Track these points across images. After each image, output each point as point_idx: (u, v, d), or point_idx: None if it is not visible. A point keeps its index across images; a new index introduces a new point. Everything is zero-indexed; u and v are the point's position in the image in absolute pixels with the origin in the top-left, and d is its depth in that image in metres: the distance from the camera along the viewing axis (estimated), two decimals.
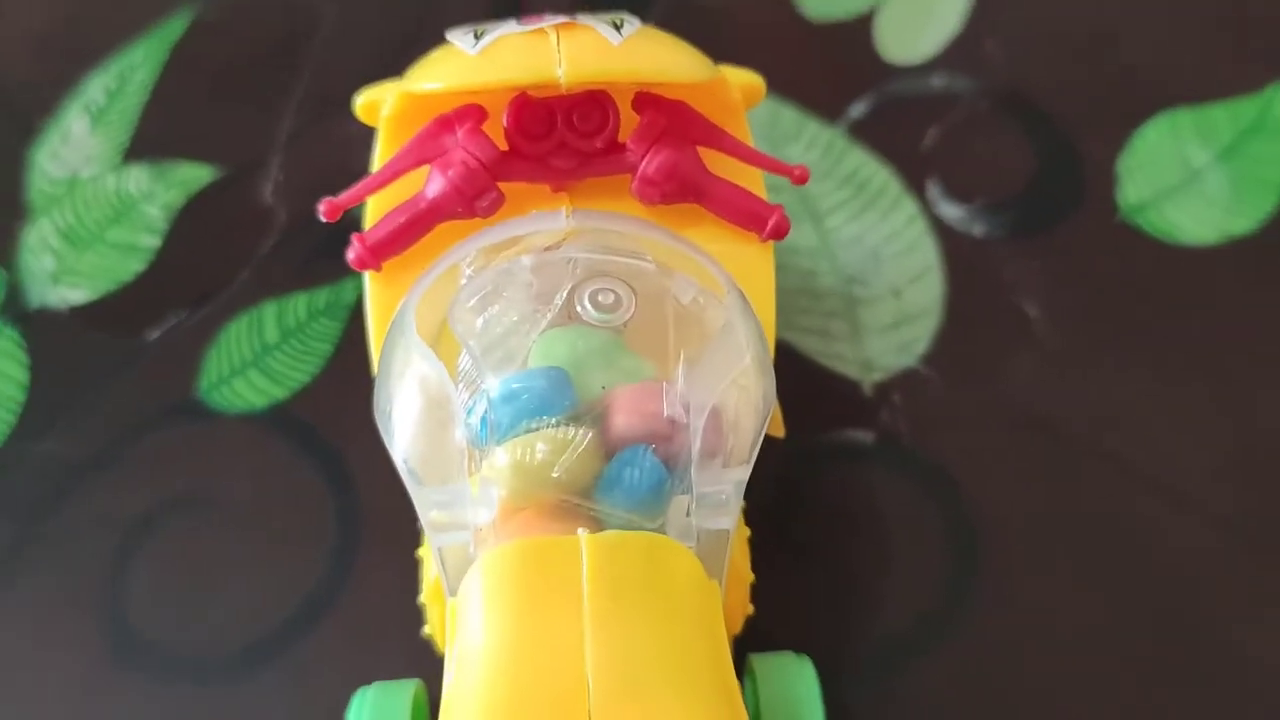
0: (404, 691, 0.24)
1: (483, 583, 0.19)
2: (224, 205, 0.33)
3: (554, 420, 0.20)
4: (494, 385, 0.20)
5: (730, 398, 0.20)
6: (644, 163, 0.22)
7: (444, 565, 0.20)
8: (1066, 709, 0.26)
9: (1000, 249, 0.32)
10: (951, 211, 0.33)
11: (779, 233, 0.23)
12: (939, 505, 0.29)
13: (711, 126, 0.22)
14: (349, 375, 0.30)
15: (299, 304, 0.32)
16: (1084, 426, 0.30)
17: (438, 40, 0.27)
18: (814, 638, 0.26)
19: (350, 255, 0.22)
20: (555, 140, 0.22)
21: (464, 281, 0.21)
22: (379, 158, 0.23)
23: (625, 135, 0.22)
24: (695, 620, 0.19)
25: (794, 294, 0.32)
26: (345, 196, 0.22)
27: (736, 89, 0.23)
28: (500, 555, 0.19)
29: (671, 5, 0.37)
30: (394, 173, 0.22)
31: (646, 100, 0.22)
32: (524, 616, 0.19)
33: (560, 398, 0.20)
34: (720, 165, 0.23)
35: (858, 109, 0.35)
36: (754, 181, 0.23)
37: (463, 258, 0.21)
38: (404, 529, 0.27)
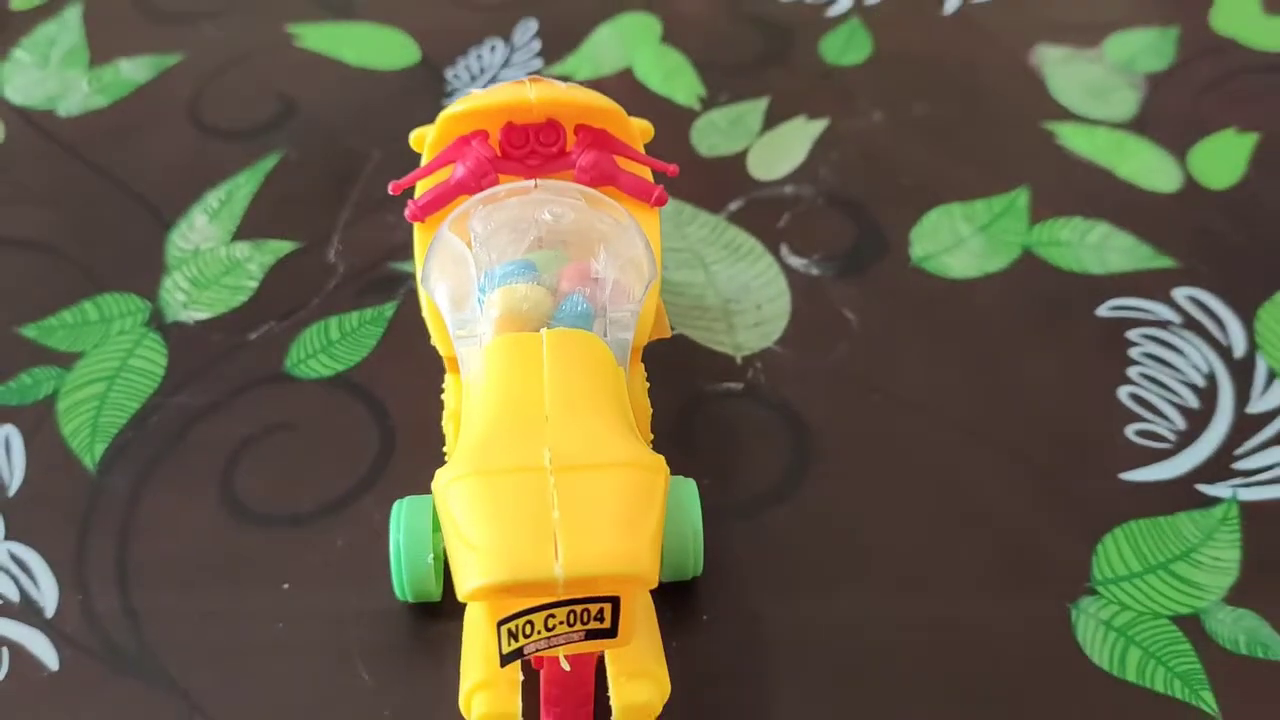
0: (426, 500, 0.37)
1: (484, 359, 0.33)
2: (302, 264, 0.49)
3: (526, 279, 0.34)
4: (494, 264, 0.35)
5: (627, 270, 0.35)
6: (579, 159, 0.37)
7: (463, 361, 0.34)
8: (866, 532, 0.40)
9: (830, 282, 0.48)
10: (797, 261, 0.49)
11: (661, 201, 0.38)
12: (785, 423, 0.43)
13: (620, 142, 0.38)
14: (387, 358, 0.45)
15: (353, 317, 0.46)
16: (880, 380, 0.44)
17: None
18: (704, 493, 0.39)
19: (406, 213, 0.38)
20: (528, 149, 0.38)
21: (475, 214, 0.36)
22: (424, 160, 0.39)
23: (570, 148, 0.38)
24: (610, 382, 0.33)
25: (688, 308, 0.47)
26: (404, 180, 0.38)
27: (636, 127, 0.39)
28: (496, 343, 0.33)
29: None
30: (434, 168, 0.38)
31: (581, 127, 0.38)
32: (509, 375, 0.32)
33: (529, 271, 0.35)
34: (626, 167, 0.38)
35: (734, 205, 0.51)
36: (646, 177, 0.39)
37: (472, 204, 0.36)
38: (421, 441, 0.41)
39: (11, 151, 0.53)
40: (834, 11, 0.61)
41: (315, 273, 0.48)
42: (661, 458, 0.31)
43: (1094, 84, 0.57)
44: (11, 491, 0.41)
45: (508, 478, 0.29)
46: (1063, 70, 0.57)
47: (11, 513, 0.40)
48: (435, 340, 0.36)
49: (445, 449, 0.37)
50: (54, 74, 0.57)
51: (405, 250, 0.48)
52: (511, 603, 0.28)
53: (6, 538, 0.40)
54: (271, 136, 0.54)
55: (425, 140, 0.39)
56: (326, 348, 0.45)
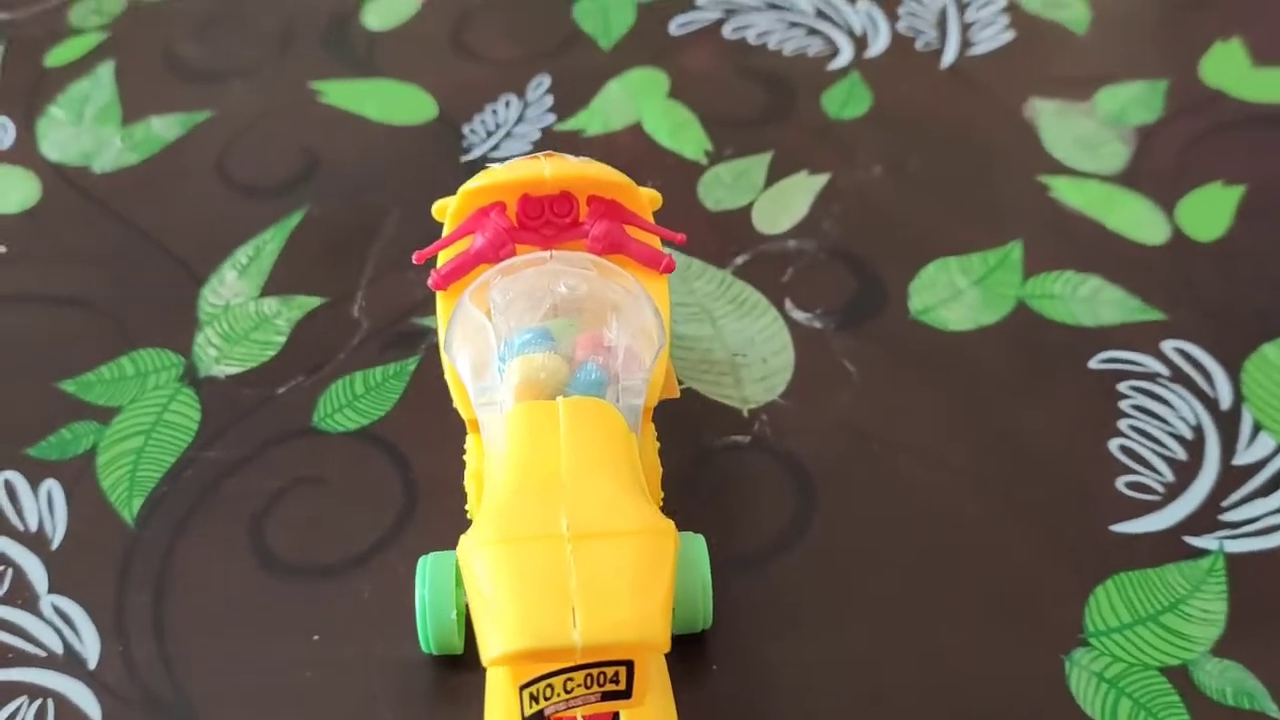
0: (450, 556, 0.39)
1: (505, 426, 0.35)
2: (327, 319, 0.51)
3: (543, 349, 0.37)
4: (512, 333, 0.37)
5: (638, 337, 0.37)
6: (592, 229, 0.40)
7: (484, 428, 0.36)
8: (869, 578, 0.42)
9: (832, 335, 0.50)
10: (800, 315, 0.51)
11: (669, 269, 0.40)
12: (791, 473, 0.45)
13: (629, 213, 0.41)
14: (410, 411, 0.47)
15: (377, 372, 0.49)
16: (880, 430, 0.46)
17: None
18: (713, 545, 0.41)
19: (430, 281, 0.40)
20: (544, 220, 0.40)
21: (495, 284, 0.38)
22: (447, 229, 0.41)
23: (583, 218, 0.40)
24: (623, 447, 0.35)
25: (697, 362, 0.49)
26: (428, 250, 0.40)
27: (645, 197, 0.42)
28: (515, 410, 0.35)
29: None
30: (455, 237, 0.40)
31: (594, 199, 0.40)
32: (528, 442, 0.35)
33: (546, 340, 0.37)
34: (636, 236, 0.41)
35: (740, 259, 0.53)
36: (656, 245, 0.41)
37: (492, 274, 0.39)
38: (443, 495, 0.43)
39: (50, 210, 0.56)
40: (835, 65, 0.63)
41: (340, 328, 0.50)
42: (671, 523, 0.33)
43: (1085, 137, 0.59)
44: (55, 544, 0.43)
45: (528, 545, 0.31)
46: (1055, 123, 0.60)
47: (54, 565, 0.42)
48: (457, 404, 0.38)
49: (467, 507, 0.40)
50: (88, 130, 0.60)
51: (425, 306, 0.51)
52: (532, 667, 0.30)
53: (50, 590, 0.42)
54: (296, 193, 0.56)
55: (447, 210, 0.41)
56: (352, 402, 0.47)
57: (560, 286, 0.37)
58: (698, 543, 0.39)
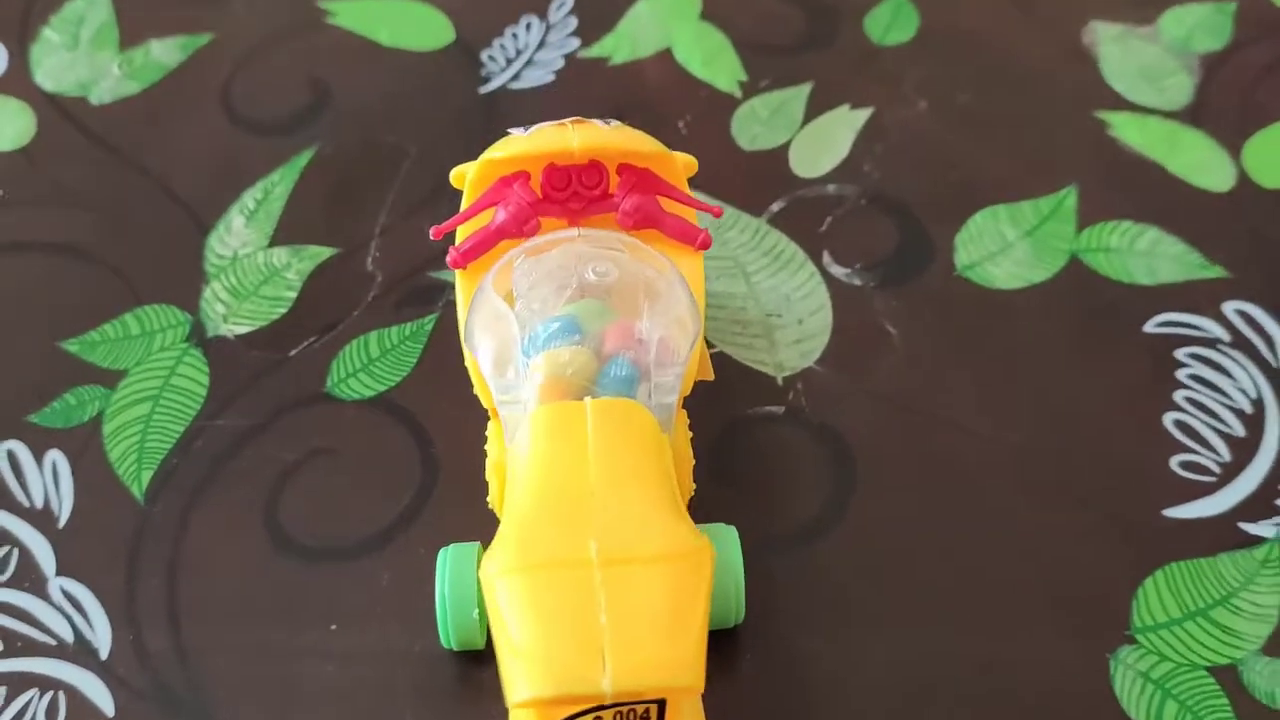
0: (472, 548, 0.37)
1: (530, 429, 0.33)
2: (340, 272, 0.48)
3: (570, 342, 0.34)
4: (535, 326, 0.34)
5: (672, 328, 0.35)
6: (623, 204, 0.37)
7: (507, 426, 0.34)
8: (911, 565, 0.40)
9: (872, 294, 0.47)
10: (839, 270, 0.48)
11: (706, 244, 0.38)
12: (828, 448, 0.43)
13: (664, 183, 0.38)
14: (427, 377, 0.45)
15: (393, 333, 0.46)
16: (923, 402, 0.44)
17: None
18: (745, 527, 0.39)
19: (449, 259, 0.37)
20: (570, 191, 0.37)
21: (518, 266, 0.35)
22: (465, 204, 0.38)
23: (613, 188, 0.38)
24: (654, 453, 0.33)
25: (729, 322, 0.46)
26: (445, 225, 0.37)
27: (680, 163, 0.39)
28: (539, 413, 0.33)
29: None
30: (475, 210, 0.37)
31: (625, 168, 0.37)
32: (553, 447, 0.33)
33: (573, 331, 0.34)
34: (669, 206, 0.38)
35: (776, 205, 0.50)
36: (691, 218, 0.38)
37: (516, 255, 0.36)
38: (463, 471, 0.41)
39: (45, 146, 0.53)
40: None
41: (353, 282, 0.48)
42: (706, 542, 0.31)
43: (1148, 67, 0.55)
44: (61, 523, 0.41)
45: (554, 574, 0.29)
46: (1116, 51, 0.56)
47: (62, 545, 0.41)
48: (478, 392, 0.36)
49: (489, 499, 0.38)
50: (84, 56, 0.56)
51: (441, 260, 0.48)
52: (560, 709, 0.28)
53: (58, 573, 0.40)
54: (306, 129, 0.53)
55: (466, 178, 0.38)
56: (367, 365, 0.45)
57: (589, 273, 0.35)
58: (729, 537, 0.37)
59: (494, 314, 0.35)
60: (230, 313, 0.47)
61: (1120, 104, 0.53)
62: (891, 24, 0.57)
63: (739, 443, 0.43)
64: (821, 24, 0.57)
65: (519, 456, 0.33)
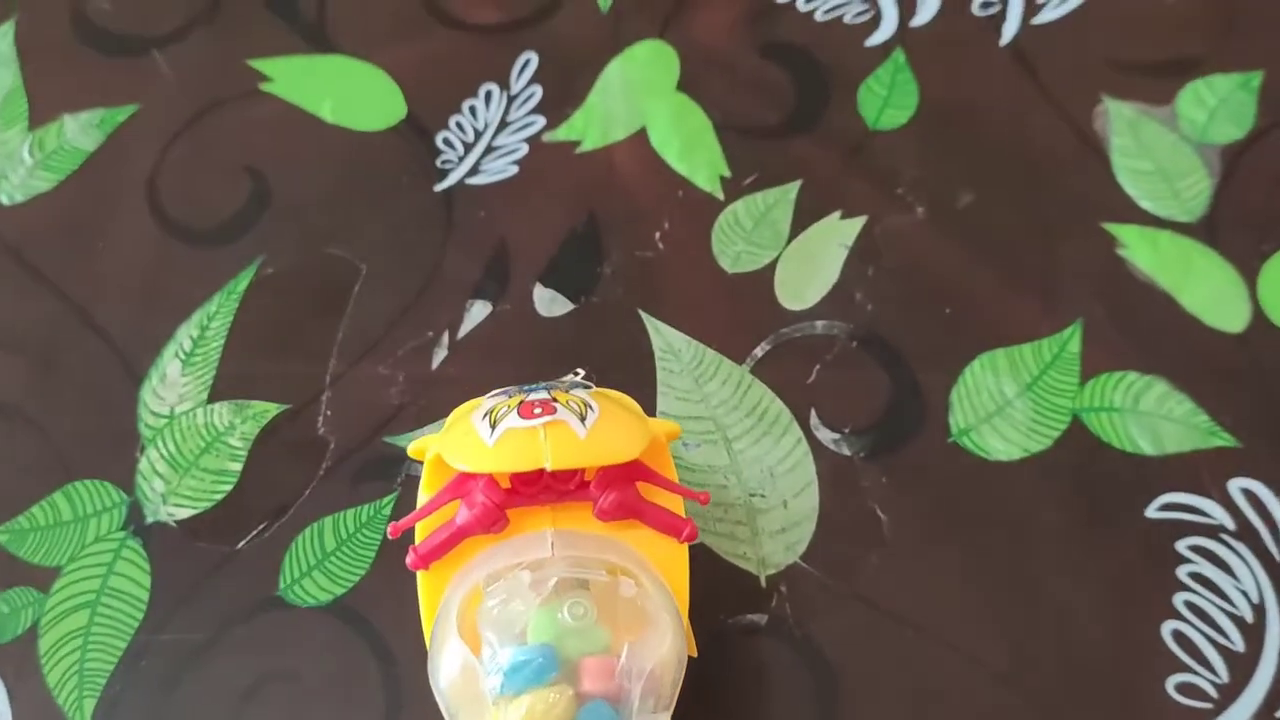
0: None
1: None
2: (288, 436, 0.45)
3: (545, 683, 0.31)
4: (506, 657, 0.32)
5: (657, 665, 0.32)
6: (600, 500, 0.33)
7: None
8: None
9: (861, 467, 0.44)
10: (827, 436, 0.45)
11: (690, 538, 0.35)
12: (811, 672, 0.41)
13: (646, 470, 0.34)
14: (389, 574, 0.42)
15: (349, 518, 0.43)
16: (912, 610, 0.42)
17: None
18: None
19: (408, 561, 0.34)
20: (542, 485, 0.34)
21: (484, 589, 0.32)
22: (424, 487, 0.35)
23: (589, 474, 0.34)
24: None
25: (711, 505, 0.44)
26: (404, 522, 0.34)
27: (663, 435, 0.35)
28: None
29: (621, 261, 0.48)
30: (435, 506, 0.34)
31: None
32: None
33: (549, 668, 0.32)
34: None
35: (760, 350, 0.46)
36: (675, 502, 0.35)
37: (480, 578, 0.33)
38: (429, 694, 0.39)
39: None
40: (876, 39, 0.53)
41: (304, 450, 0.44)
42: None
43: (1164, 166, 0.50)
44: None
45: None
46: (1130, 143, 0.51)
47: None
48: None
49: None
50: None
51: (399, 421, 0.44)
52: None
53: None
54: (244, 236, 0.48)
55: (426, 454, 0.35)
56: (321, 562, 0.42)
57: (563, 613, 0.32)
58: None
59: (458, 660, 0.32)
60: (170, 490, 0.43)
61: (1132, 214, 0.49)
62: (888, 99, 0.52)
63: (716, 658, 0.41)
64: (810, 94, 0.52)
65: None
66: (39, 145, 0.50)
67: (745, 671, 0.41)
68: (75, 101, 0.51)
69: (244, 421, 0.45)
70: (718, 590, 0.42)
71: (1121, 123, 0.51)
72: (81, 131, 0.50)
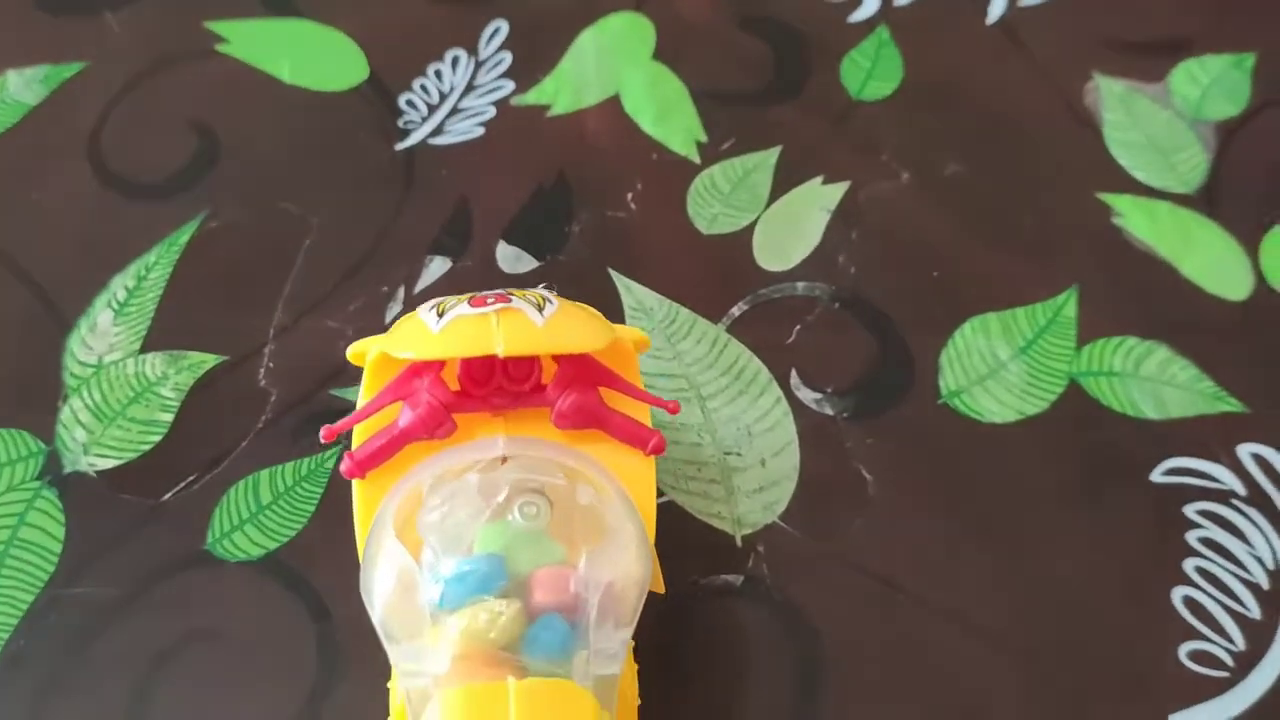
0: None
1: (441, 716, 0.27)
2: (226, 387, 0.41)
3: (491, 593, 0.28)
4: (449, 566, 0.28)
5: (618, 578, 0.28)
6: (559, 402, 0.30)
7: (410, 701, 0.28)
8: None
9: (845, 427, 0.41)
10: (808, 395, 0.42)
11: (657, 450, 0.31)
12: (792, 636, 0.37)
13: (610, 373, 0.31)
14: (329, 530, 0.38)
15: (287, 471, 0.39)
16: (901, 573, 0.38)
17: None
18: None
19: (343, 467, 0.30)
20: (494, 385, 0.30)
21: (426, 493, 0.29)
22: (364, 391, 0.31)
23: (547, 377, 0.31)
24: None
25: (683, 462, 0.40)
26: (339, 425, 0.30)
27: (629, 342, 0.32)
28: (451, 696, 0.27)
29: (591, 221, 0.45)
30: (376, 407, 0.30)
31: (562, 355, 0.31)
32: None
33: (496, 577, 0.28)
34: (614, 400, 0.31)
35: (738, 309, 0.43)
36: (643, 411, 0.32)
37: (423, 479, 0.29)
38: (371, 654, 0.35)
39: None
40: (859, 16, 0.52)
41: (242, 401, 0.41)
42: None
43: (1158, 138, 0.48)
44: None
45: None
46: (1122, 117, 0.49)
47: None
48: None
49: None
50: None
51: (349, 374, 0.41)
52: None
53: None
54: (189, 191, 0.45)
55: (366, 358, 0.31)
56: (254, 516, 0.38)
57: (515, 515, 0.28)
58: None
59: (394, 563, 0.28)
60: (93, 440, 0.40)
61: (1127, 184, 0.47)
62: (871, 70, 0.50)
63: (690, 620, 0.37)
64: (791, 65, 0.50)
65: None
66: None
67: (721, 633, 0.37)
68: (21, 56, 0.49)
69: (178, 372, 0.41)
70: (690, 550, 0.39)
71: (1113, 99, 0.50)
72: (25, 86, 0.48)
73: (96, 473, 0.39)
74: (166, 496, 0.39)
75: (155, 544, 0.38)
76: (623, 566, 0.28)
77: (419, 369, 0.30)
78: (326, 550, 0.38)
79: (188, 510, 0.38)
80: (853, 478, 0.40)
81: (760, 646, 0.37)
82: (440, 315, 0.29)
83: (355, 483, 0.31)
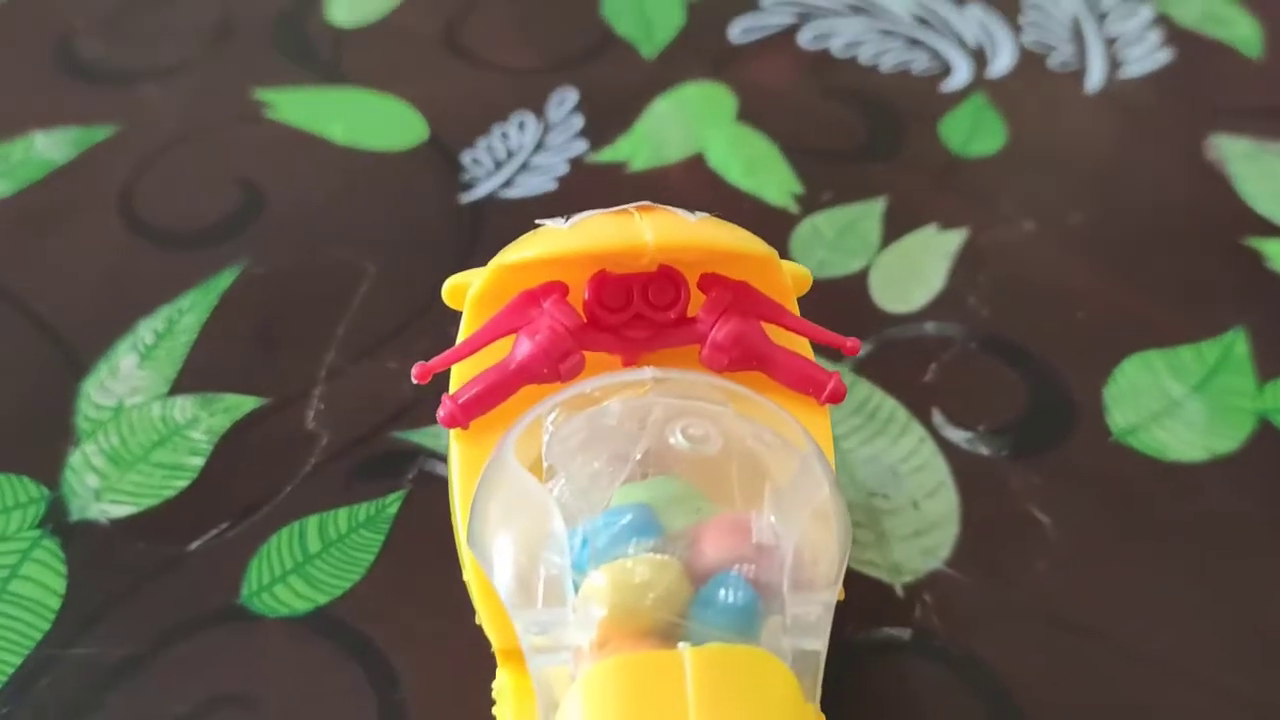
0: None
1: (585, 700, 0.19)
2: (267, 430, 0.35)
3: (647, 546, 0.21)
4: (590, 514, 0.21)
5: (812, 525, 0.21)
6: (713, 331, 0.24)
7: (540, 688, 0.20)
8: None
9: (1006, 466, 0.35)
10: (956, 435, 0.35)
11: (836, 396, 0.25)
12: (975, 693, 0.29)
13: (772, 302, 0.25)
14: (394, 582, 0.31)
15: (340, 517, 0.32)
16: (1100, 620, 0.31)
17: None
18: None
19: (440, 413, 0.24)
20: (632, 312, 0.24)
21: (549, 429, 0.22)
22: (464, 332, 0.25)
23: (692, 312, 0.25)
24: None
25: None
26: (435, 361, 0.24)
27: (788, 275, 0.26)
28: (603, 671, 0.19)
29: None
30: (483, 341, 0.24)
31: (713, 279, 0.25)
32: None
33: (649, 530, 0.21)
34: (776, 338, 0.25)
35: (862, 350, 0.38)
36: (807, 352, 0.25)
37: (550, 409, 0.23)
38: None
39: None
40: (951, 85, 0.48)
41: (287, 446, 0.34)
42: None
43: None
44: None
45: None
46: (1251, 169, 0.45)
47: None
48: (487, 626, 0.23)
49: None
50: None
51: (415, 414, 0.35)
52: None
53: None
54: (229, 242, 0.40)
55: (467, 293, 0.25)
56: (301, 565, 0.31)
57: (676, 436, 0.22)
58: None
59: (521, 499, 0.21)
60: (107, 486, 0.33)
61: (1272, 230, 0.42)
62: (973, 131, 0.46)
63: (857, 684, 0.29)
64: (886, 128, 0.46)
65: None
66: (3, 157, 0.43)
67: (890, 698, 0.29)
68: (49, 119, 0.44)
69: (211, 415, 0.35)
70: (845, 602, 0.31)
71: (1237, 156, 0.45)
72: (52, 146, 0.43)
73: (110, 520, 0.32)
74: (194, 545, 0.32)
75: (177, 597, 0.30)
76: (816, 511, 0.21)
77: (536, 294, 0.24)
78: (390, 606, 0.31)
79: (217, 560, 0.31)
80: (1025, 520, 0.33)
81: (942, 708, 0.29)
82: (568, 219, 0.24)
83: (454, 434, 0.24)
